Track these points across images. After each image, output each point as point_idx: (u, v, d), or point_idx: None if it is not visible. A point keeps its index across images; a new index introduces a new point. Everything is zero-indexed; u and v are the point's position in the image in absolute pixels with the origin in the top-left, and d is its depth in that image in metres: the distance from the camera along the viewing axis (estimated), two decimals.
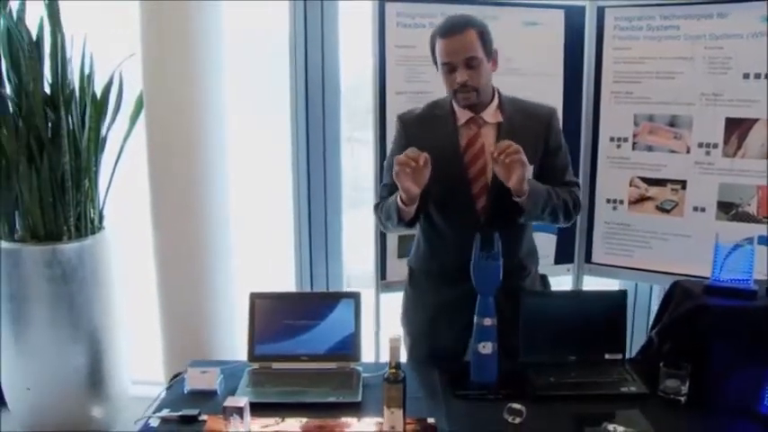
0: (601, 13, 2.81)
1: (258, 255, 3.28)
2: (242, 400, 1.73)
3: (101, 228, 2.99)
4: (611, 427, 1.76)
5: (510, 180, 1.96)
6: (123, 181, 3.04)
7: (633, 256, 2.91)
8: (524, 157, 1.94)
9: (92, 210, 2.95)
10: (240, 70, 2.98)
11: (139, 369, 3.28)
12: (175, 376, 2.31)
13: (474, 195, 2.13)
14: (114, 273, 2.99)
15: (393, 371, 1.70)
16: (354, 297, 2.13)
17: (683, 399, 1.90)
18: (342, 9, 3.14)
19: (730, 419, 1.80)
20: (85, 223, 2.92)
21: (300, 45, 3.09)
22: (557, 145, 2.21)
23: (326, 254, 3.32)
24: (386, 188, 2.24)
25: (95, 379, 2.94)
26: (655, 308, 3.16)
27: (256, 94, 3.22)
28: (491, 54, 2.08)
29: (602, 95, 2.86)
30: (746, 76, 2.61)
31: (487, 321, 1.97)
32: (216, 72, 2.80)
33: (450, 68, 2.05)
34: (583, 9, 2.83)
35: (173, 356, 2.93)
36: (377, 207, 2.25)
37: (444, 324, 2.21)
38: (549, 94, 2.83)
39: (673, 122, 2.75)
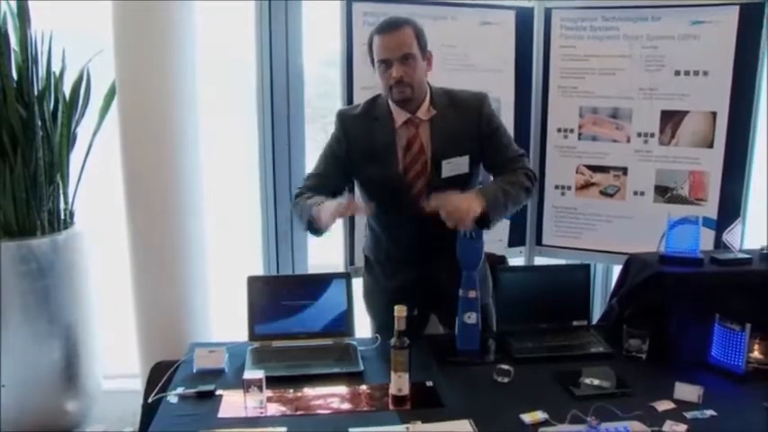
0: (548, 15, 3.05)
1: (227, 246, 3.35)
2: (259, 373, 1.86)
3: (72, 223, 3.00)
4: (588, 380, 2.00)
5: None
6: (92, 175, 3.05)
7: (580, 238, 3.17)
8: (466, 214, 2.00)
9: (64, 205, 2.96)
10: (207, 66, 3.05)
11: (112, 363, 3.30)
12: (158, 364, 2.39)
13: (415, 195, 2.19)
14: (89, 267, 3.00)
15: (399, 339, 1.87)
16: (345, 277, 2.28)
17: (644, 356, 2.17)
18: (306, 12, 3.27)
19: (685, 370, 2.04)
20: (58, 218, 2.93)
21: (266, 44, 3.20)
22: (493, 127, 2.24)
23: (292, 245, 3.43)
24: (314, 178, 2.28)
25: (70, 374, 2.95)
26: (599, 282, 3.47)
27: (223, 87, 3.30)
28: (425, 52, 2.16)
29: (550, 90, 3.11)
30: (678, 72, 2.92)
31: (471, 294, 2.16)
32: (188, 64, 2.86)
33: (386, 65, 2.12)
34: (532, 11, 3.07)
35: (148, 347, 2.98)
36: (298, 195, 2.25)
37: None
38: (502, 89, 3.07)
39: (614, 114, 3.03)
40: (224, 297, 3.20)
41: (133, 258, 2.94)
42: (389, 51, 2.11)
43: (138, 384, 3.03)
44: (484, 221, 2.08)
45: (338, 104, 2.93)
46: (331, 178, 2.28)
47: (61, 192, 2.95)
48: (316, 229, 2.11)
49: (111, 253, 3.14)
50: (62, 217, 2.96)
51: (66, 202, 2.97)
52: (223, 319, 3.14)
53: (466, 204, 2.01)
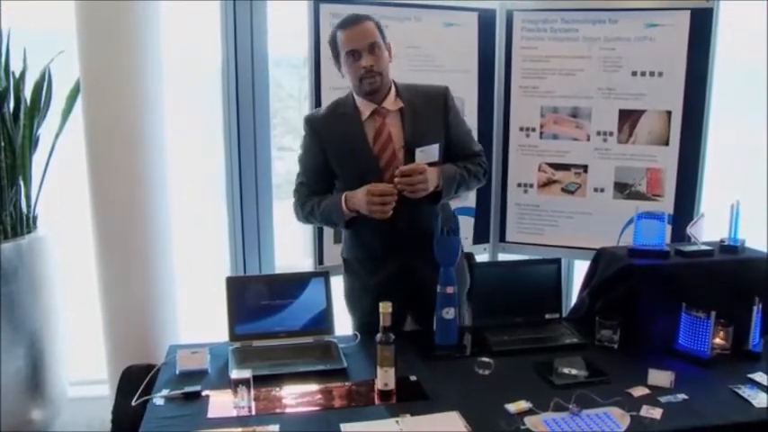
0: (510, 17, 3.13)
1: (194, 247, 3.32)
2: (247, 373, 1.86)
3: (35, 227, 2.92)
4: (565, 369, 2.08)
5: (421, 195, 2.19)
6: (55, 177, 2.98)
7: (543, 234, 3.26)
8: (424, 183, 2.16)
9: (27, 208, 2.88)
10: (172, 65, 3.01)
11: (78, 369, 3.23)
12: (129, 368, 2.37)
13: (387, 182, 2.23)
14: (54, 272, 2.93)
15: (385, 334, 1.90)
16: (324, 276, 2.31)
17: (615, 345, 2.26)
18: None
19: (654, 357, 2.15)
20: (21, 222, 2.85)
21: (231, 43, 3.18)
22: (456, 119, 2.39)
23: (259, 246, 3.42)
24: (305, 186, 2.37)
25: (35, 381, 2.87)
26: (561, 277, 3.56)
27: (188, 86, 3.26)
28: (386, 44, 2.26)
29: (512, 90, 3.18)
30: (635, 73, 3.04)
31: (449, 289, 2.21)
32: (154, 64, 2.82)
33: (355, 56, 2.20)
34: (494, 12, 3.14)
35: (116, 352, 2.93)
36: (302, 205, 2.35)
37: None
38: (467, 89, 3.14)
39: (574, 113, 3.13)
40: (192, 299, 3.18)
41: (99, 262, 2.88)
42: (357, 42, 2.20)
43: (106, 390, 2.98)
44: (433, 197, 2.24)
45: (284, 105, 2.93)
46: (320, 181, 2.34)
47: (23, 195, 2.87)
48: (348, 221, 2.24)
49: (75, 257, 3.07)
50: (25, 221, 2.88)
51: (28, 206, 2.89)
52: (192, 320, 3.11)
53: (423, 178, 2.15)
